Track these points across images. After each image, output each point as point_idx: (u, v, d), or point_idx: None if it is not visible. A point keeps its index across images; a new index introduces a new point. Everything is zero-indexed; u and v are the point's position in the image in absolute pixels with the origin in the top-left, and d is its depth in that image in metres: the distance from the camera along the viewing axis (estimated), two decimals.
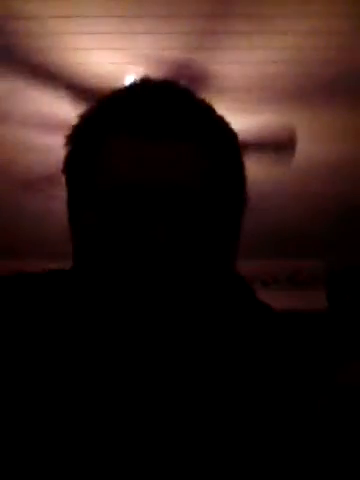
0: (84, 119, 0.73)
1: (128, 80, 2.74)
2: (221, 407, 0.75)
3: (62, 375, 0.73)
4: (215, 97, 2.96)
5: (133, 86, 0.74)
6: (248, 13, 2.39)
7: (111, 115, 0.70)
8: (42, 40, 2.52)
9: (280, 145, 2.94)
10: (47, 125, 2.88)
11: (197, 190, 0.68)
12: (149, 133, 0.67)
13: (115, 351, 0.74)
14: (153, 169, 0.67)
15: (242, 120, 2.93)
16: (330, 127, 3.15)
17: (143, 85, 0.73)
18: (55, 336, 0.74)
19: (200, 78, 2.69)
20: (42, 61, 2.61)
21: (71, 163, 0.74)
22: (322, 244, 4.44)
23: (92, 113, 0.73)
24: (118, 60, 2.67)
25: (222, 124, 0.74)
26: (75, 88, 2.72)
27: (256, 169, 3.25)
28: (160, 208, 0.67)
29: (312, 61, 2.68)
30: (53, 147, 3.13)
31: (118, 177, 0.68)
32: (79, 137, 0.73)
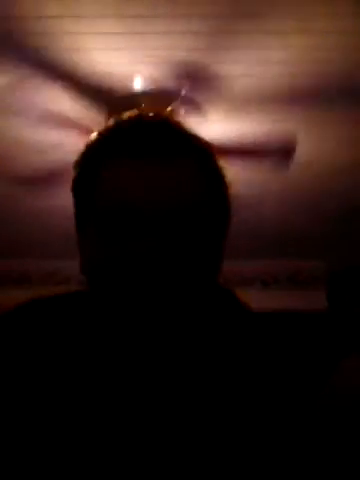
0: (88, 147, 0.84)
1: (136, 81, 2.75)
2: (218, 407, 0.78)
3: (70, 379, 0.80)
4: (217, 96, 2.95)
5: (130, 119, 0.84)
6: (253, 12, 2.39)
7: (109, 145, 0.81)
8: (49, 40, 2.52)
9: (279, 151, 2.91)
10: (49, 122, 2.89)
11: (186, 205, 0.78)
12: (142, 159, 0.78)
13: (114, 355, 0.81)
14: (146, 189, 0.77)
15: (245, 122, 2.93)
16: (331, 128, 3.15)
17: (139, 119, 0.84)
18: (67, 347, 0.83)
19: (205, 79, 2.69)
20: (50, 60, 2.61)
21: (77, 185, 0.84)
22: (322, 244, 4.44)
23: (95, 142, 0.83)
24: (125, 60, 2.67)
25: (208, 150, 0.84)
26: (83, 88, 2.72)
27: (257, 169, 3.26)
28: (149, 225, 0.76)
29: (311, 61, 2.68)
30: (55, 144, 3.13)
31: (114, 197, 0.78)
32: (83, 162, 0.83)
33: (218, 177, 0.84)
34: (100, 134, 0.84)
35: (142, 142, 0.79)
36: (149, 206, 0.76)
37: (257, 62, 2.67)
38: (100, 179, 0.80)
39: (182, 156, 0.79)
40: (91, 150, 0.83)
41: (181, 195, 0.77)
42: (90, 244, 0.80)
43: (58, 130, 2.87)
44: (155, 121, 0.83)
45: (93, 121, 2.91)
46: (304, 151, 3.18)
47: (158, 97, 2.77)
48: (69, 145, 2.93)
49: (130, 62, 2.68)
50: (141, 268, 0.75)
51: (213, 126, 2.88)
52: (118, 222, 0.77)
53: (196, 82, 2.68)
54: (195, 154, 0.81)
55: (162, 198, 0.76)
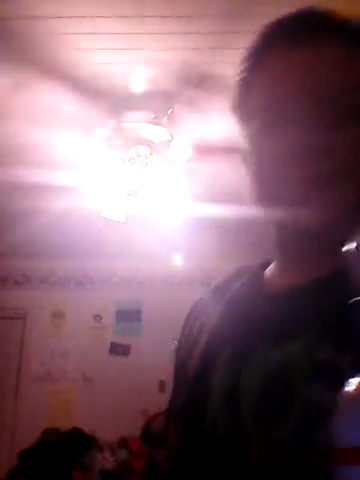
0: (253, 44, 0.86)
1: (136, 81, 2.76)
2: None
3: None
4: (217, 96, 2.92)
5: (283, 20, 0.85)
6: (249, 13, 2.39)
7: (268, 41, 0.84)
8: (48, 40, 2.52)
9: None
10: (50, 122, 2.89)
11: (340, 86, 0.75)
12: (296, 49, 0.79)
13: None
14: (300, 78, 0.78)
15: None
16: None
17: (293, 17, 0.84)
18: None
19: (202, 78, 2.69)
20: (48, 61, 2.61)
21: (240, 83, 0.91)
22: None
23: (256, 41, 0.85)
24: (122, 60, 2.67)
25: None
26: (80, 87, 2.73)
27: None
28: (305, 111, 0.75)
29: None
30: (55, 144, 3.13)
31: (273, 89, 0.81)
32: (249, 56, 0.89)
33: None
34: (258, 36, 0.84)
35: (296, 34, 0.78)
36: (303, 94, 0.75)
37: None
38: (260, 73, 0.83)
39: (330, 42, 0.77)
40: (254, 46, 0.85)
41: (331, 77, 0.75)
42: (256, 136, 0.80)
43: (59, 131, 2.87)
44: (308, 14, 0.81)
45: (93, 120, 2.92)
46: None
47: (158, 97, 2.77)
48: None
49: (130, 62, 2.69)
50: (304, 158, 0.73)
51: (215, 126, 2.88)
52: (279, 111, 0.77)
53: (196, 82, 2.68)
54: (344, 39, 0.78)
55: (314, 82, 0.75)
